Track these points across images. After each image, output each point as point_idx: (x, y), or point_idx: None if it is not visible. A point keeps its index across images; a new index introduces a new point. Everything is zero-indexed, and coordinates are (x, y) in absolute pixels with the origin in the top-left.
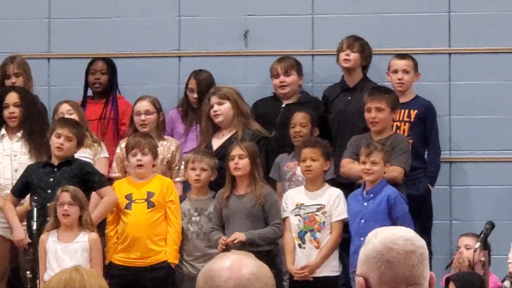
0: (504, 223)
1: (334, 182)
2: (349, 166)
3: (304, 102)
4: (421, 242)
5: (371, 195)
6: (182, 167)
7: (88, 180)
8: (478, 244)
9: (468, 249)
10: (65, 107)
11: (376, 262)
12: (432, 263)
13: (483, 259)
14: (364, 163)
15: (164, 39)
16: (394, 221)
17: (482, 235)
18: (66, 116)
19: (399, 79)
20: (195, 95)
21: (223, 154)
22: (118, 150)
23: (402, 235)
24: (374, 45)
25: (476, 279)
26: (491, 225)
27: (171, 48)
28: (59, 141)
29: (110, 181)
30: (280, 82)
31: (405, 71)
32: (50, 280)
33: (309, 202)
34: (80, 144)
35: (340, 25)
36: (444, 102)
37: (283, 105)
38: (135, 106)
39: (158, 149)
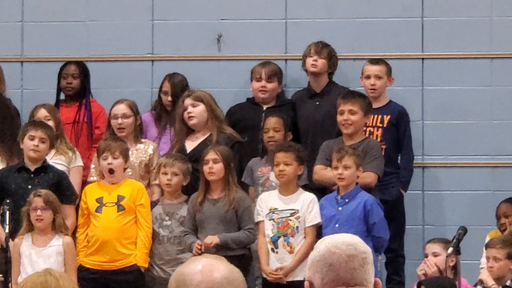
0: (476, 228)
1: (307, 188)
2: (322, 173)
3: (282, 105)
4: (365, 247)
5: (346, 200)
6: None
7: (60, 192)
8: (450, 249)
9: (435, 256)
10: (42, 113)
11: (319, 266)
12: (405, 268)
13: (451, 264)
14: (336, 168)
15: (137, 43)
16: (370, 227)
17: (454, 240)
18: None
19: (371, 85)
20: (169, 98)
21: (196, 157)
22: (96, 154)
23: (346, 241)
24: (347, 50)
25: (447, 283)
26: (464, 230)
27: (144, 52)
28: (33, 143)
29: (86, 184)
30: (261, 87)
31: (378, 77)
32: (24, 283)
33: (283, 207)
34: (52, 146)
35: (314, 30)
36: (417, 107)
37: (264, 109)
38: (112, 110)
39: (136, 152)
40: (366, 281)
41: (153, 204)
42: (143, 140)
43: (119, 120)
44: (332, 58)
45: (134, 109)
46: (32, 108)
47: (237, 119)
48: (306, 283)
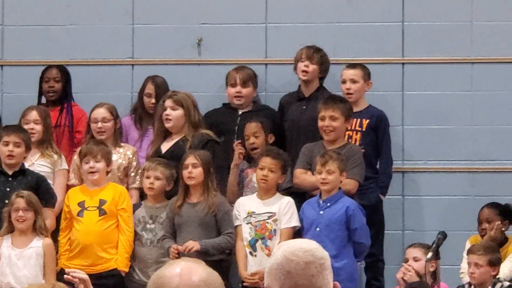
0: (456, 233)
1: (289, 192)
2: (302, 177)
3: (259, 110)
4: (322, 253)
5: (328, 204)
6: (139, 174)
7: (38, 194)
8: (430, 254)
9: (416, 260)
10: (32, 115)
11: (277, 273)
12: (384, 272)
13: (432, 269)
14: (320, 172)
15: (118, 47)
16: (352, 232)
17: (434, 245)
18: (31, 124)
19: (347, 89)
20: (153, 100)
21: (171, 157)
22: (75, 158)
23: (303, 247)
24: (328, 55)
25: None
26: (444, 235)
27: (125, 56)
28: (8, 149)
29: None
30: (236, 93)
31: (353, 81)
32: None
33: (261, 210)
34: (28, 148)
35: (294, 34)
36: (397, 111)
37: (240, 113)
38: (92, 114)
39: (115, 156)
40: (325, 286)
41: (134, 207)
42: (122, 144)
43: (99, 124)
44: (323, 63)
45: (114, 113)
46: (25, 108)
47: (213, 123)
48: None
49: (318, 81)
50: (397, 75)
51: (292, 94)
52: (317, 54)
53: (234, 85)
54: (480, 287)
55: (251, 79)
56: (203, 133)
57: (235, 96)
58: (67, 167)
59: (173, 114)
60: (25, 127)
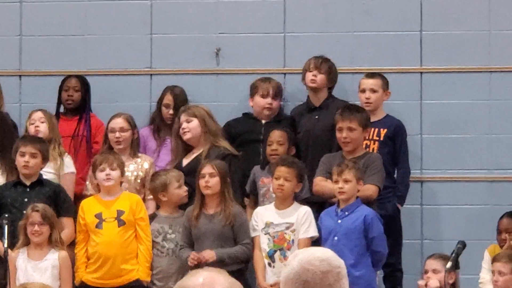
0: (475, 242)
1: (307, 202)
2: (322, 184)
3: (282, 120)
4: (338, 261)
5: (346, 213)
6: None
7: (57, 204)
8: (449, 264)
9: (436, 272)
10: (38, 114)
11: (294, 283)
12: (403, 282)
13: (451, 281)
14: (337, 182)
15: (136, 56)
16: (370, 241)
17: (453, 255)
18: (37, 123)
19: (366, 98)
20: (171, 111)
21: (190, 171)
22: (91, 169)
23: (319, 256)
24: (345, 64)
25: None
26: (463, 245)
27: (143, 66)
28: (24, 159)
29: (83, 198)
30: (268, 104)
31: (373, 90)
32: None
33: (279, 221)
34: (45, 159)
35: (312, 44)
36: (416, 121)
37: (264, 123)
38: (110, 123)
39: (132, 166)
40: None
41: (151, 218)
42: (139, 154)
43: (117, 134)
44: (331, 73)
45: (132, 123)
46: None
47: (237, 133)
48: None
49: (327, 90)
50: (415, 85)
51: (301, 106)
52: (325, 64)
53: (265, 96)
54: None
55: (281, 92)
56: (221, 147)
57: (266, 107)
58: (73, 170)
59: (189, 126)
60: (30, 127)
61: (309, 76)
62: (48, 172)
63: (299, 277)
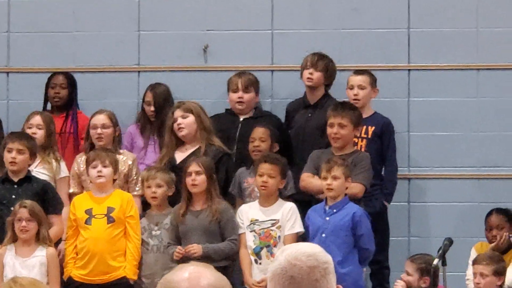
0: (462, 240)
1: (293, 199)
2: (308, 180)
3: (261, 116)
4: (326, 257)
5: (334, 210)
6: (139, 181)
7: (45, 201)
8: (436, 261)
9: (409, 275)
10: (36, 120)
11: (280, 279)
12: (390, 279)
13: (424, 285)
14: (325, 178)
15: (124, 53)
16: (358, 238)
17: (440, 251)
18: (34, 129)
19: (354, 95)
20: (152, 108)
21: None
22: (74, 166)
23: (306, 251)
24: (333, 61)
25: None
26: (450, 242)
27: (131, 63)
28: (11, 156)
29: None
30: (238, 98)
31: (361, 87)
32: None
33: (264, 218)
34: (33, 156)
35: (300, 41)
36: (403, 118)
37: (241, 120)
38: (92, 120)
39: None
40: None
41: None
42: (121, 151)
43: (99, 130)
44: (328, 71)
45: (114, 120)
46: (30, 113)
47: (216, 128)
48: None
49: (324, 88)
50: (403, 82)
51: (298, 101)
52: (321, 61)
53: (235, 90)
54: None
55: (252, 85)
56: (217, 145)
57: (237, 102)
58: (68, 174)
59: (185, 122)
60: (28, 131)
61: (306, 74)
62: (42, 173)
63: (285, 272)
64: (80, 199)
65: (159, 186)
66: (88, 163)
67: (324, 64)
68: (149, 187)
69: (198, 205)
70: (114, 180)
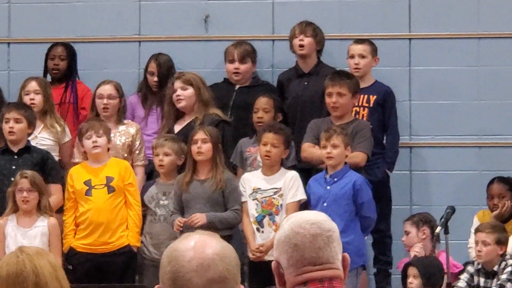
0: (464, 208)
1: (295, 168)
2: (310, 150)
3: (257, 85)
4: (330, 225)
5: (335, 179)
6: (143, 151)
7: (45, 171)
8: (438, 229)
9: (407, 234)
10: (32, 86)
11: (284, 246)
12: (392, 248)
13: (423, 236)
14: (324, 147)
15: (124, 23)
16: (359, 206)
17: (442, 220)
18: (32, 95)
19: (355, 64)
20: (155, 78)
21: (183, 138)
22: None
23: (310, 219)
24: (334, 31)
25: (435, 262)
26: (452, 210)
27: (131, 33)
28: (9, 125)
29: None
30: (235, 69)
31: (362, 56)
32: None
33: (266, 187)
34: (31, 125)
35: (301, 10)
36: (404, 87)
37: (236, 88)
38: (98, 90)
39: (119, 133)
40: (332, 258)
41: (146, 185)
42: (125, 121)
43: (105, 100)
44: (317, 35)
45: (120, 91)
46: (24, 80)
47: (214, 100)
48: (273, 263)
49: (316, 55)
50: (404, 51)
51: (290, 71)
52: (309, 27)
53: (232, 61)
54: (487, 265)
55: (249, 55)
56: (213, 113)
57: (234, 72)
58: (70, 137)
59: (184, 93)
60: (25, 98)
61: (297, 42)
62: (47, 139)
63: (289, 240)
64: (77, 170)
65: (166, 154)
66: (81, 134)
67: (312, 30)
68: (157, 155)
69: (202, 174)
70: (108, 149)
